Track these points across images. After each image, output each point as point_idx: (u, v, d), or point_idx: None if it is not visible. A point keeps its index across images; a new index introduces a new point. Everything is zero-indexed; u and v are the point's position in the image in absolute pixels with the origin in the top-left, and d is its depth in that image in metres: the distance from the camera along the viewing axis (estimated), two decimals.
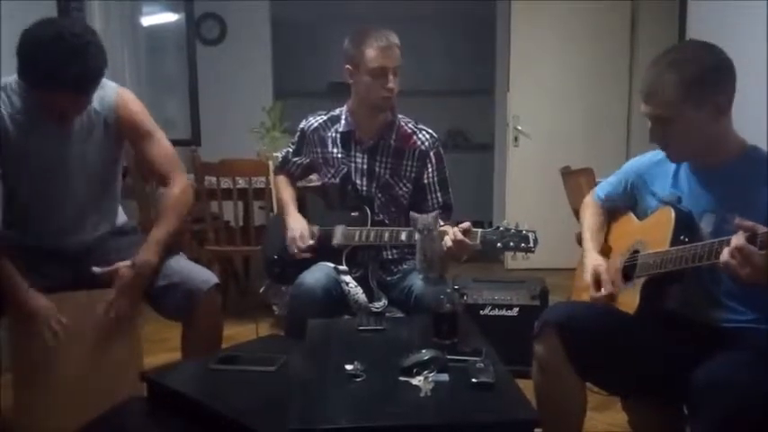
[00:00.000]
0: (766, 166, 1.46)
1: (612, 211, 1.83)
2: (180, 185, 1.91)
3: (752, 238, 1.25)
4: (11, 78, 1.74)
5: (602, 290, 1.63)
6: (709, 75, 1.44)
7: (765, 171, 1.45)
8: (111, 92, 1.86)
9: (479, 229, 1.78)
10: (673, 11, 4.26)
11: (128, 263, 1.79)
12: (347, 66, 2.02)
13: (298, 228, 2.08)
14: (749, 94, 1.49)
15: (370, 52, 1.94)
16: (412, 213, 1.81)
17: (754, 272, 1.24)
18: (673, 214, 1.52)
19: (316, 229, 2.09)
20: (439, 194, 2.10)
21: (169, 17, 4.94)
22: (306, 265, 2.00)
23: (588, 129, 4.62)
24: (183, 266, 1.91)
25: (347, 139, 2.10)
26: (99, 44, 1.67)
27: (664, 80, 1.44)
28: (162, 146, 1.93)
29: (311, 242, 2.05)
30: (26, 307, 1.71)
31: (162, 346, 2.46)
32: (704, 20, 3.13)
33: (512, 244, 1.74)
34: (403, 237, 1.94)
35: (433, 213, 1.78)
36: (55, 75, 1.59)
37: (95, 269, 1.80)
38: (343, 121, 2.11)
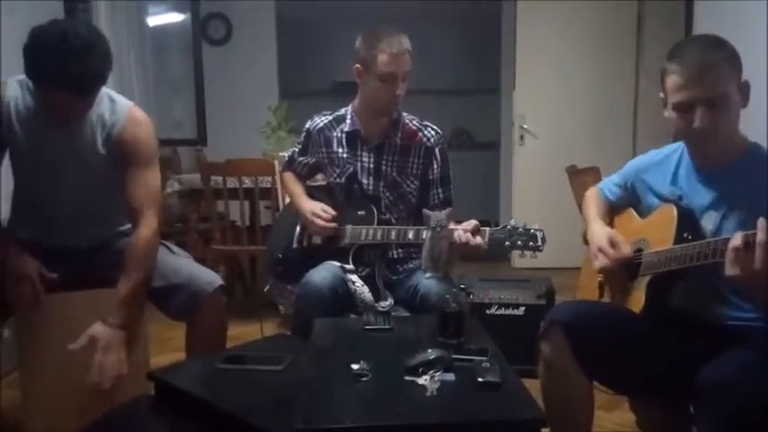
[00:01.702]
0: (767, 163, 1.46)
1: (615, 208, 1.83)
2: (148, 228, 1.81)
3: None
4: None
5: (622, 250, 1.59)
6: (738, 57, 1.44)
7: (766, 169, 1.44)
8: (123, 108, 1.84)
9: (487, 228, 1.78)
10: (679, 9, 4.25)
11: (98, 326, 1.70)
12: (357, 66, 2.02)
13: (315, 205, 2.08)
14: (753, 93, 1.48)
15: (383, 57, 1.94)
16: (425, 210, 1.82)
17: (753, 273, 1.25)
18: (675, 212, 1.52)
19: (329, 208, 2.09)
20: (440, 190, 2.11)
21: (175, 17, 4.96)
22: (312, 263, 2.00)
23: (594, 128, 4.61)
24: (188, 267, 1.91)
25: (353, 139, 2.10)
26: (105, 48, 1.67)
27: (712, 59, 1.40)
28: (148, 181, 1.84)
29: (333, 212, 2.05)
30: (11, 263, 1.73)
31: (166, 345, 2.47)
32: (711, 19, 3.12)
33: (520, 243, 1.75)
34: (410, 235, 1.95)
35: (446, 211, 1.79)
36: (55, 74, 1.60)
37: (70, 346, 1.68)
38: (348, 121, 2.11)
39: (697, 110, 1.42)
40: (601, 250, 1.63)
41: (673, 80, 1.45)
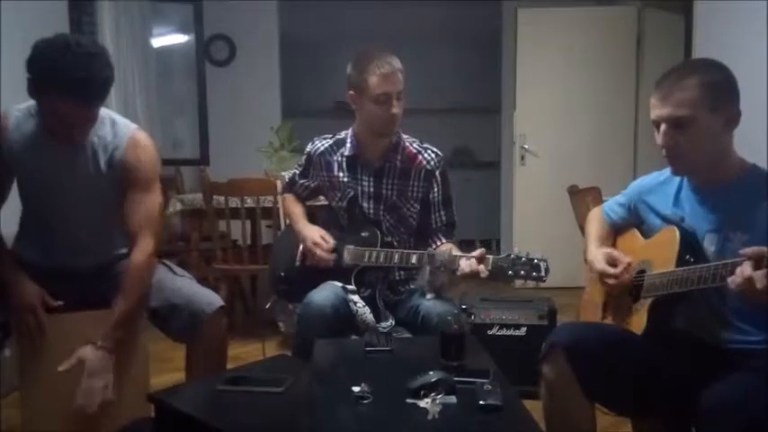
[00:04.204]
0: (767, 184, 1.47)
1: (618, 228, 1.83)
2: (144, 252, 1.81)
3: (759, 263, 1.25)
4: (32, 102, 1.78)
5: (618, 267, 1.64)
6: (725, 84, 1.48)
7: (766, 190, 1.45)
8: (125, 131, 1.85)
9: (491, 256, 1.79)
10: (678, 27, 4.30)
11: (89, 348, 1.70)
12: (350, 92, 2.02)
13: (315, 232, 2.08)
14: (752, 109, 1.50)
15: (373, 79, 1.94)
16: (429, 250, 1.85)
17: (764, 294, 1.25)
18: (677, 234, 1.53)
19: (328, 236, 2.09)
20: (443, 213, 2.11)
21: (179, 38, 5.01)
22: (313, 283, 2.00)
23: (595, 147, 4.63)
24: (189, 288, 1.91)
25: (353, 163, 2.11)
26: (106, 57, 1.70)
27: (685, 82, 1.46)
28: (146, 204, 1.85)
29: (333, 242, 2.04)
30: (15, 292, 1.74)
31: (167, 366, 2.46)
32: (710, 36, 3.14)
33: (522, 272, 1.76)
34: (413, 259, 1.94)
35: (449, 250, 1.81)
36: (60, 80, 1.61)
37: (60, 368, 1.69)
38: (348, 145, 2.11)
39: (661, 127, 1.49)
40: (604, 274, 1.66)
41: (651, 100, 1.52)
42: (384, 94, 1.95)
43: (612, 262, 1.67)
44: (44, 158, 1.80)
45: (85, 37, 1.76)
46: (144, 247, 1.82)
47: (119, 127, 1.85)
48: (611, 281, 1.67)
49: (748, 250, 1.27)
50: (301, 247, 2.15)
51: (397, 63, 1.97)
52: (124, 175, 1.84)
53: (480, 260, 1.78)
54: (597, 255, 1.71)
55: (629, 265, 1.65)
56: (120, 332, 1.74)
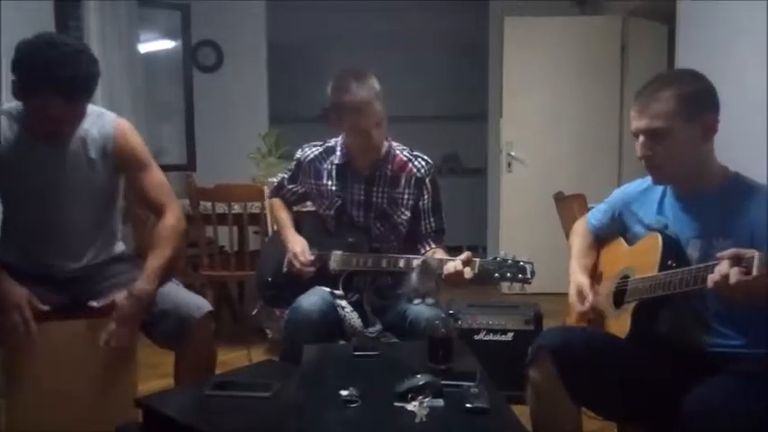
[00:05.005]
0: (748, 192, 1.51)
1: (603, 236, 1.85)
2: (174, 214, 1.93)
3: (737, 263, 1.27)
4: (13, 104, 1.77)
5: (585, 303, 1.70)
6: (701, 94, 1.52)
7: (748, 197, 1.49)
8: (109, 121, 1.88)
9: (477, 259, 1.81)
10: (661, 37, 4.36)
11: (124, 293, 1.78)
12: (331, 114, 2.02)
13: (298, 244, 2.09)
14: (735, 118, 1.54)
15: (346, 113, 1.96)
16: (422, 257, 1.89)
17: (743, 295, 1.28)
18: (660, 240, 1.56)
19: (314, 251, 2.10)
20: (432, 219, 2.12)
21: (166, 44, 5.00)
22: (301, 288, 2.00)
23: (580, 154, 4.67)
24: (176, 294, 1.91)
25: (343, 171, 2.11)
26: (91, 55, 1.71)
27: (660, 94, 1.50)
28: (156, 176, 1.95)
29: (312, 257, 2.05)
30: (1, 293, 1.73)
31: (154, 372, 2.45)
32: (693, 43, 3.20)
33: (509, 275, 1.78)
34: (401, 264, 1.96)
35: (437, 258, 1.85)
36: (47, 79, 1.62)
37: (92, 303, 1.80)
38: (338, 153, 2.12)
39: (639, 138, 1.54)
40: (571, 305, 1.74)
41: (631, 112, 1.57)
42: (358, 126, 1.96)
43: (580, 295, 1.73)
44: (29, 161, 1.79)
45: (69, 36, 1.77)
46: (172, 213, 1.92)
47: (102, 119, 1.87)
48: (575, 313, 1.73)
49: (725, 252, 1.30)
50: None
51: (371, 92, 1.95)
52: (125, 162, 1.90)
53: (467, 263, 1.80)
54: (571, 283, 1.78)
55: (592, 306, 1.70)
56: (153, 283, 1.80)
